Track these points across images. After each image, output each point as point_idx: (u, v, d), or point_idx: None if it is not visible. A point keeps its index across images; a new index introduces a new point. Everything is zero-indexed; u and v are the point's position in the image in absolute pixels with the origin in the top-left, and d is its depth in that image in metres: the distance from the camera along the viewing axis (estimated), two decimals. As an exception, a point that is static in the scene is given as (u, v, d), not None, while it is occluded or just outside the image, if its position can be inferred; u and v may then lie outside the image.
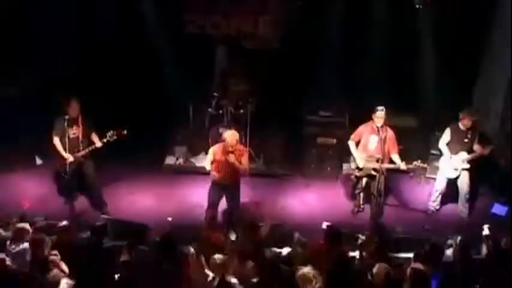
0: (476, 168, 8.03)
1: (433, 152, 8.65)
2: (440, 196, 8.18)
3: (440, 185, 8.07)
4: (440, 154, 8.06)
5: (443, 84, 8.98)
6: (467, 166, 7.87)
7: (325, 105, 9.11)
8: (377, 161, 7.63)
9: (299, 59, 9.38)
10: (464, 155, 7.84)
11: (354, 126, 8.04)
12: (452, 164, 7.88)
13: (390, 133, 7.65)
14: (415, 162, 7.52)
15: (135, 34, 9.13)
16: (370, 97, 8.57)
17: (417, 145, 8.91)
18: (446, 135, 7.88)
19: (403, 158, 7.76)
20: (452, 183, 8.04)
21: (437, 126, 8.51)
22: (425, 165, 7.73)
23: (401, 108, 8.86)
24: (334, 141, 8.92)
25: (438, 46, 8.91)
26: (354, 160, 7.86)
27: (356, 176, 7.96)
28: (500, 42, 8.51)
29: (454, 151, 7.86)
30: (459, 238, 6.19)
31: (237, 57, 9.61)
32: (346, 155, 8.33)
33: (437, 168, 8.18)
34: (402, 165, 7.56)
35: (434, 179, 8.35)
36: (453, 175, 7.94)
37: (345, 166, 8.70)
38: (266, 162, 9.27)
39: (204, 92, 9.40)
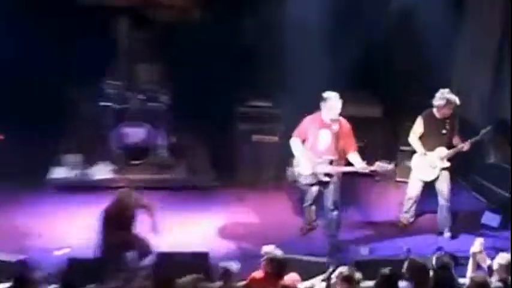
0: (458, 167, 7.93)
1: (403, 148, 8.52)
2: (414, 205, 7.95)
3: (413, 190, 7.82)
4: (413, 151, 7.83)
5: (413, 61, 9.01)
6: (448, 165, 7.63)
7: (261, 92, 8.99)
8: (330, 163, 7.28)
9: (227, 33, 9.32)
10: (443, 151, 7.58)
11: (298, 119, 7.71)
12: (428, 163, 7.62)
13: (346, 126, 7.36)
14: (378, 163, 7.18)
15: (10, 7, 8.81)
16: (318, 80, 8.27)
17: (382, 140, 8.92)
18: (419, 126, 7.59)
19: (364, 157, 7.47)
20: (428, 188, 7.88)
21: (407, 115, 8.36)
22: (393, 166, 7.36)
23: (360, 93, 8.85)
24: (276, 139, 8.72)
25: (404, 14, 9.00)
26: (300, 163, 7.41)
27: (304, 184, 7.53)
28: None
29: (429, 146, 7.60)
30: (436, 261, 5.83)
31: (145, 33, 9.25)
32: (290, 156, 7.72)
33: (409, 169, 7.93)
34: (363, 167, 7.22)
35: (406, 182, 8.16)
36: (430, 177, 7.69)
37: (289, 171, 7.94)
38: (188, 169, 9.11)
39: (102, 82, 9.04)
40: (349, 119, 7.68)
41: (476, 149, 7.92)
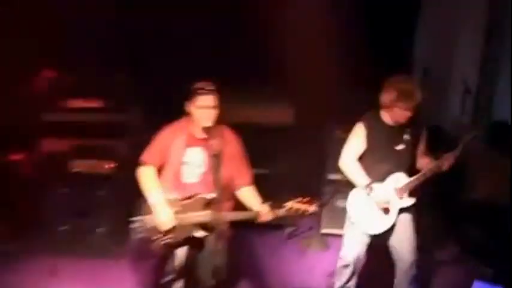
0: (425, 206, 6.63)
1: (332, 177, 7.20)
2: (354, 276, 6.32)
3: (351, 251, 6.24)
4: (348, 182, 6.25)
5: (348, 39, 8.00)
6: (410, 203, 6.07)
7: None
8: (207, 205, 5.77)
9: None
10: (400, 180, 6.08)
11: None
12: (375, 203, 6.06)
13: (233, 142, 6.03)
14: (290, 204, 5.65)
15: None
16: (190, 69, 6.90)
17: (298, 164, 7.80)
18: (358, 140, 6.15)
19: (268, 194, 5.97)
20: (377, 245, 6.30)
21: (338, 120, 7.41)
22: (314, 208, 5.76)
23: (259, 89, 7.99)
24: (111, 165, 7.21)
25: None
26: (156, 209, 5.94)
27: (163, 245, 6.00)
28: None
29: (377, 172, 6.07)
30: None
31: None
32: (137, 196, 6.06)
33: (343, 212, 6.37)
34: (265, 212, 5.74)
35: (338, 236, 6.68)
36: (379, 227, 6.10)
37: (136, 223, 6.09)
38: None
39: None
40: (241, 128, 6.15)
41: (456, 174, 6.57)
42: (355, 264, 6.19)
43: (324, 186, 7.53)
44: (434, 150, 6.38)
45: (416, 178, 5.97)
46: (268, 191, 5.97)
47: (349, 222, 6.20)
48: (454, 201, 7.70)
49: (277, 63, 8.11)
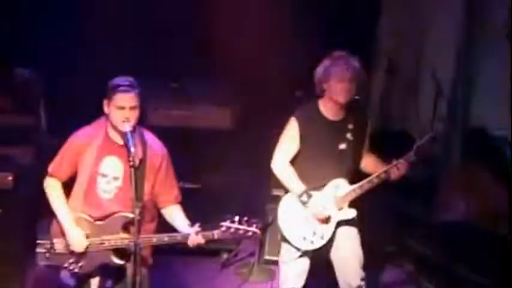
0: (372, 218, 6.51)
1: (278, 192, 6.33)
2: None
3: (290, 276, 5.83)
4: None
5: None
6: (351, 215, 5.68)
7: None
8: (125, 226, 5.32)
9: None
10: (341, 186, 5.65)
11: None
12: (312, 213, 5.67)
13: (157, 151, 5.52)
14: (227, 225, 5.23)
15: None
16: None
17: (239, 174, 7.51)
18: (290, 138, 5.75)
19: (198, 212, 5.58)
20: (320, 265, 5.92)
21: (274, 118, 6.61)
22: (256, 230, 5.28)
23: (189, 87, 7.61)
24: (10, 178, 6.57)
25: None
26: (68, 230, 5.50)
27: (72, 273, 5.54)
28: None
29: (313, 177, 5.67)
30: None
31: None
32: (43, 215, 5.67)
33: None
34: (197, 234, 5.26)
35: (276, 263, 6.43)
36: (314, 243, 5.74)
37: (43, 247, 5.60)
38: None
39: None
40: (167, 133, 5.74)
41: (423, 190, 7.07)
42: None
43: (267, 203, 6.95)
44: (384, 153, 5.88)
45: (360, 186, 5.48)
46: (200, 209, 5.68)
47: (283, 241, 5.68)
48: (420, 222, 7.38)
49: (215, 58, 7.80)
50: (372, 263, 6.18)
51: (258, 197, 7.23)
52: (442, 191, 7.56)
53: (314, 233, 5.53)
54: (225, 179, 7.37)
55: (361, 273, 5.63)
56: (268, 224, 6.84)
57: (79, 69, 7.69)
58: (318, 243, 5.52)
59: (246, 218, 5.16)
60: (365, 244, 5.84)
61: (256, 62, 7.68)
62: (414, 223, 7.53)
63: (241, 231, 5.15)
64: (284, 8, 7.91)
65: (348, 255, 5.60)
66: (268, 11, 7.91)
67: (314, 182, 5.56)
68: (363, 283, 5.68)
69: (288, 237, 5.62)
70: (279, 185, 6.07)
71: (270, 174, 6.46)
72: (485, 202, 7.05)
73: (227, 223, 5.11)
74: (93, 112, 5.58)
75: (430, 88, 7.69)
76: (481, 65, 7.72)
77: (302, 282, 5.70)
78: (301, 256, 5.61)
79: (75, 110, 6.75)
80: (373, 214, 6.45)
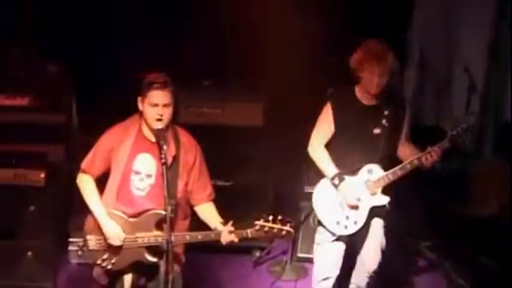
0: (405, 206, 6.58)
1: (311, 190, 6.12)
2: None
3: (327, 265, 5.76)
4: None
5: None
6: (384, 202, 5.60)
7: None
8: (159, 223, 5.24)
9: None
10: (375, 171, 5.64)
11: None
12: (343, 197, 5.69)
13: (191, 147, 5.50)
14: (260, 224, 5.13)
15: None
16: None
17: (268, 175, 7.21)
18: (326, 122, 5.75)
19: (232, 210, 5.46)
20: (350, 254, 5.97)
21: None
22: (289, 228, 5.21)
23: (222, 85, 7.42)
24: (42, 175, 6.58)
25: None
26: (104, 224, 5.41)
27: (106, 271, 5.48)
28: None
29: (348, 161, 5.69)
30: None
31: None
32: (76, 212, 5.95)
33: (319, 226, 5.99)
34: (230, 232, 5.21)
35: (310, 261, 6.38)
36: (346, 228, 5.71)
37: (76, 245, 5.69)
38: None
39: None
40: (200, 130, 5.71)
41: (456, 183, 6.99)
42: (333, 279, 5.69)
43: (301, 201, 6.87)
44: (420, 142, 5.85)
45: (393, 172, 5.45)
46: (233, 207, 5.58)
47: (321, 230, 5.66)
48: (451, 214, 7.34)
49: (246, 55, 7.76)
50: (402, 255, 6.54)
51: (291, 195, 7.21)
52: (474, 184, 7.50)
53: (347, 218, 5.55)
54: (257, 176, 7.26)
55: (379, 258, 5.64)
56: (301, 222, 6.85)
57: (111, 68, 7.67)
58: (352, 229, 5.53)
59: (280, 217, 5.16)
60: (394, 236, 5.87)
61: (288, 59, 7.69)
62: (445, 216, 7.46)
63: (275, 230, 5.15)
64: (314, 1, 7.90)
65: (371, 246, 5.60)
66: (299, 5, 7.87)
67: (349, 166, 5.58)
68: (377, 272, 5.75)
69: (322, 221, 5.64)
70: (312, 182, 6.05)
71: (302, 171, 6.83)
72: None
73: (261, 222, 5.12)
74: (125, 110, 5.57)
75: (463, 82, 7.58)
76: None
77: (337, 271, 5.68)
78: (335, 240, 5.64)
79: (109, 108, 6.75)
80: (404, 205, 6.34)
